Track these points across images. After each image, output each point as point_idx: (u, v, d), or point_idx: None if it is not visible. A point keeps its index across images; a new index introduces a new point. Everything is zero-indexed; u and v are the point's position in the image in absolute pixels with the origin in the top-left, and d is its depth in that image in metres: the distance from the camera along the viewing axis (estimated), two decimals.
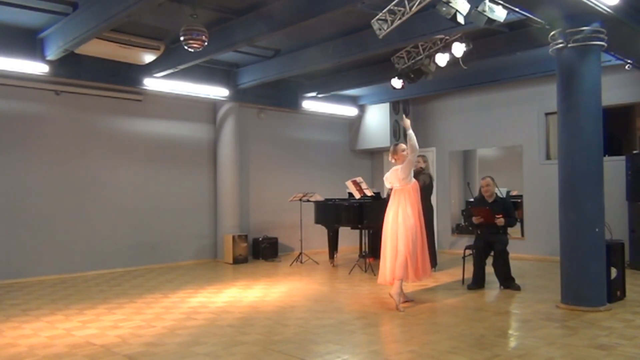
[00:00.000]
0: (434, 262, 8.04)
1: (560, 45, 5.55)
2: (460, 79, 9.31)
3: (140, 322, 5.22)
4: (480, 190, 7.09)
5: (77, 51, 6.92)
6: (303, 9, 5.92)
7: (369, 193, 8.24)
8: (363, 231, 8.59)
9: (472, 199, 7.62)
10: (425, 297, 6.30)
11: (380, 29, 5.33)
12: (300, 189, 9.93)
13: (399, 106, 11.33)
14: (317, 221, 9.14)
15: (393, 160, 5.94)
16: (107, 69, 7.89)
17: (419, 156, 8.12)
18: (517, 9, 5.30)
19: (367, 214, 8.18)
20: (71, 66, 7.55)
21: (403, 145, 5.90)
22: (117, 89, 8.50)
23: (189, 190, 9.58)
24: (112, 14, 5.62)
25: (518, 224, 8.48)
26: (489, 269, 6.70)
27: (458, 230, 10.93)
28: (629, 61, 7.04)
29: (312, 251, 10.20)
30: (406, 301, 5.88)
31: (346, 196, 9.26)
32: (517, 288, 6.53)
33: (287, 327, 4.97)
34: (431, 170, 9.08)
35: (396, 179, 5.82)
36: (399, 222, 5.65)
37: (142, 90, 8.59)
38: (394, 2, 5.19)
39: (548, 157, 9.47)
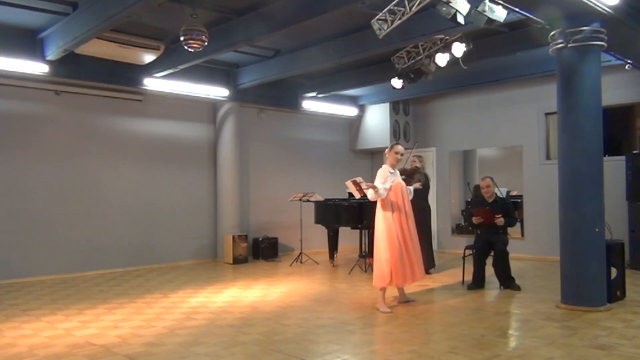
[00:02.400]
0: (432, 264, 8.05)
1: (560, 45, 5.55)
2: (460, 79, 9.32)
3: (140, 322, 5.22)
4: (473, 193, 7.04)
5: (77, 51, 6.92)
6: (303, 9, 5.92)
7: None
8: (363, 231, 8.59)
9: (469, 199, 7.61)
10: (425, 297, 6.30)
11: (380, 29, 5.33)
12: (300, 189, 9.93)
13: (399, 106, 11.34)
14: (317, 221, 9.14)
15: (386, 155, 5.83)
16: (107, 69, 7.90)
17: (414, 155, 8.12)
18: (517, 9, 5.30)
19: (367, 214, 8.16)
20: (71, 66, 7.56)
21: (400, 148, 5.75)
22: (117, 89, 8.50)
23: (189, 190, 9.58)
24: (112, 14, 5.62)
25: (518, 224, 8.48)
26: (489, 269, 6.70)
27: (458, 230, 10.93)
28: (629, 61, 7.04)
29: (312, 251, 10.20)
30: (406, 301, 5.89)
31: (346, 196, 9.27)
32: (517, 288, 6.52)
33: (287, 327, 4.96)
34: (429, 170, 9.10)
35: None
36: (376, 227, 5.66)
37: (142, 90, 8.60)
38: (394, 2, 5.19)
39: (548, 157, 9.47)
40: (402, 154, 5.74)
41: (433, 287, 6.97)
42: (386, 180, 5.59)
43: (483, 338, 4.49)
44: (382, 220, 5.56)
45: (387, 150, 5.82)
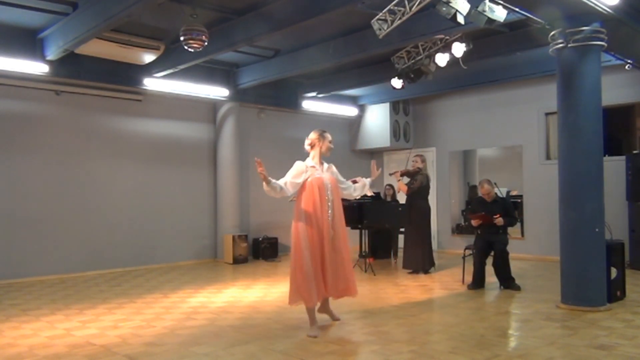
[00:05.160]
0: (432, 263, 8.05)
1: (560, 45, 5.55)
2: (460, 79, 9.32)
3: (140, 322, 5.22)
4: (469, 195, 7.02)
5: (77, 51, 6.92)
6: (303, 9, 5.93)
7: (369, 193, 8.22)
8: (363, 231, 8.58)
9: (469, 199, 7.61)
10: (426, 297, 6.30)
11: (380, 29, 5.33)
12: None
13: (399, 106, 11.34)
14: None
15: (309, 147, 4.95)
16: (107, 69, 7.90)
17: (416, 155, 8.11)
18: (517, 9, 5.30)
19: (367, 214, 8.16)
20: (71, 66, 7.56)
21: (329, 135, 4.96)
22: (117, 89, 8.51)
23: (188, 190, 9.58)
24: (112, 14, 5.62)
25: (518, 224, 8.48)
26: (489, 269, 6.70)
27: (458, 230, 10.93)
28: (629, 61, 7.04)
29: None
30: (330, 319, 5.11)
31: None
32: (517, 288, 6.52)
33: (287, 327, 4.96)
34: (429, 170, 9.09)
35: None
36: None
37: (142, 90, 8.60)
38: (394, 2, 5.20)
39: (548, 157, 9.47)
40: (330, 141, 4.94)
41: (433, 287, 6.98)
42: (299, 176, 4.72)
43: (483, 338, 4.49)
44: (293, 225, 4.67)
45: (313, 140, 4.91)
